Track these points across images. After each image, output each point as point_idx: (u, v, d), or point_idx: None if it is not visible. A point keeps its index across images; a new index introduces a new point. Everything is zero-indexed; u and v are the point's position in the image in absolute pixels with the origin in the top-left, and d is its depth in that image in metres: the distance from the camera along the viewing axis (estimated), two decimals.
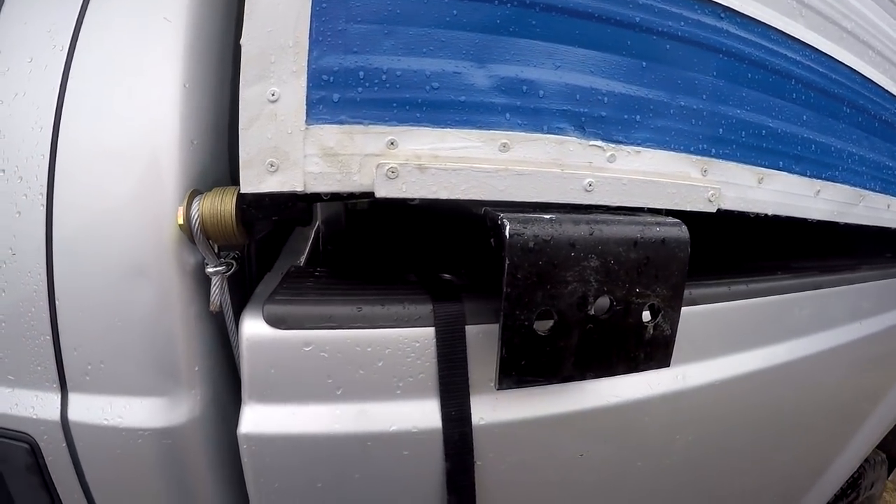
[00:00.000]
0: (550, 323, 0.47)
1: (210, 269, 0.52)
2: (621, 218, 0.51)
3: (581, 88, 0.54)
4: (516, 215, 0.45)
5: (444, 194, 0.48)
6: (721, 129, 0.64)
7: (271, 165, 0.45)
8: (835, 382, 0.89)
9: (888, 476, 1.36)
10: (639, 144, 0.58)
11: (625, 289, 0.50)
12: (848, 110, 0.77)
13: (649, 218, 0.53)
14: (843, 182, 0.78)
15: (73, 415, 0.52)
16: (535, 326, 0.46)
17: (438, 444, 0.53)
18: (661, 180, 0.59)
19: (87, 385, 0.52)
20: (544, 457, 0.60)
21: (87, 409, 0.52)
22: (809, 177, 0.73)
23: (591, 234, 0.47)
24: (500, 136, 0.51)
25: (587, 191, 0.54)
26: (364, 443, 0.53)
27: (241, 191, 0.46)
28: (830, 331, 0.84)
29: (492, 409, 0.55)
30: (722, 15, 0.61)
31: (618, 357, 0.51)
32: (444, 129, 0.49)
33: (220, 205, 0.50)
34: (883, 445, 1.16)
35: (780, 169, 0.70)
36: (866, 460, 1.19)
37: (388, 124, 0.47)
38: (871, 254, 1.08)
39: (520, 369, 0.46)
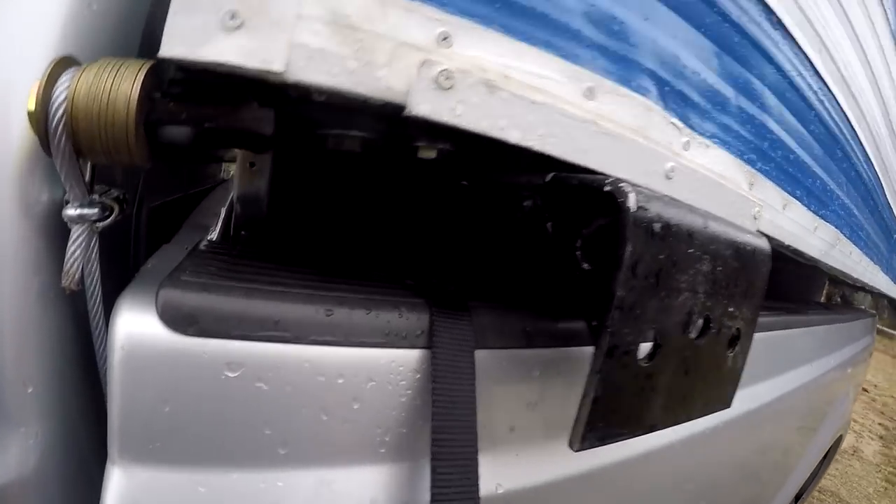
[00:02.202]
0: (649, 347, 0.32)
1: (72, 211, 0.29)
2: (716, 214, 0.38)
3: (668, 53, 0.42)
4: (632, 184, 0.30)
5: (514, 136, 0.31)
6: (766, 144, 0.57)
7: (232, 17, 0.24)
8: (792, 419, 0.88)
9: None
10: (709, 137, 0.48)
11: (721, 306, 0.37)
12: (840, 154, 0.76)
13: (732, 222, 0.41)
14: (830, 223, 0.77)
15: None
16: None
17: None
18: (725, 184, 0.49)
19: None
20: None
21: None
22: (812, 211, 0.70)
23: (706, 228, 0.34)
24: (586, 76, 0.36)
25: (668, 178, 0.41)
26: None
27: (162, 55, 0.24)
28: (782, 376, 0.82)
29: (513, 468, 0.38)
30: (800, 61, 0.58)
31: (699, 394, 0.38)
32: (521, 43, 0.32)
33: (112, 84, 0.27)
34: None
35: (797, 198, 0.66)
36: None
37: (444, 9, 0.29)
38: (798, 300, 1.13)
39: (609, 417, 0.30)
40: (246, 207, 0.40)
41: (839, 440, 1.47)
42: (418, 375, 0.32)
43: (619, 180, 0.30)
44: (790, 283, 1.06)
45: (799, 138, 0.64)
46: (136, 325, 0.27)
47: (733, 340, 0.41)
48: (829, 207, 0.75)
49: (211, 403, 0.28)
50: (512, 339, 0.35)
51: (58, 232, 0.30)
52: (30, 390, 0.31)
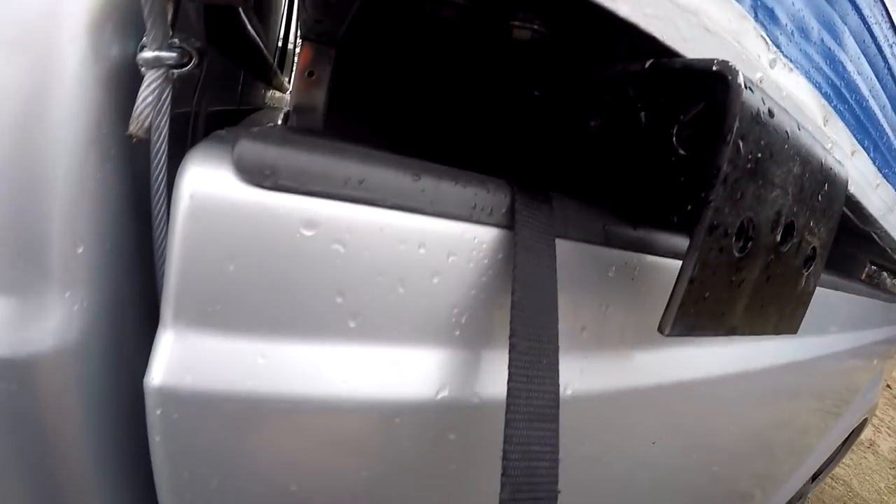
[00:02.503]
0: (743, 242, 0.31)
1: (149, 54, 0.27)
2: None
3: None
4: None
5: (623, 10, 0.30)
6: (843, 84, 0.55)
7: None
8: (817, 389, 0.87)
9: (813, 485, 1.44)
10: (792, 61, 0.46)
11: (805, 216, 0.36)
12: None
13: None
14: (892, 184, 0.74)
15: None
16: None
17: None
18: (805, 111, 0.47)
19: None
20: (621, 443, 0.44)
21: None
22: (877, 167, 0.68)
23: (800, 130, 0.33)
24: None
25: None
26: (389, 418, 0.30)
27: None
28: (821, 337, 0.81)
29: (580, 371, 0.37)
30: (879, 10, 0.55)
31: (774, 308, 0.37)
32: None
33: None
34: None
35: (864, 149, 0.63)
36: None
37: None
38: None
39: (701, 305, 0.30)
40: (302, 118, 0.40)
41: (863, 424, 1.45)
42: (500, 256, 0.31)
43: (727, 61, 0.29)
44: (833, 257, 1.03)
45: (872, 88, 0.61)
46: (207, 174, 0.24)
47: (809, 260, 0.40)
48: (892, 168, 0.72)
49: (281, 263, 0.26)
50: (591, 234, 0.34)
51: (124, 85, 0.28)
52: (80, 251, 0.27)
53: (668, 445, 0.49)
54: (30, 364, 0.26)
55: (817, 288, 0.69)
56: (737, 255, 0.30)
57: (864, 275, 1.21)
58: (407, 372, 0.31)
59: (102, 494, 0.32)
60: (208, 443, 0.27)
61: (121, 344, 0.31)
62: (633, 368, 0.41)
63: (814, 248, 0.40)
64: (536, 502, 0.24)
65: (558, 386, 0.28)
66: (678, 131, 0.31)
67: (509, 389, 0.25)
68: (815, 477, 1.43)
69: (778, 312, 0.39)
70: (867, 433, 2.81)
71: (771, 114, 0.29)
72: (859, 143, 0.61)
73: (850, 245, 1.03)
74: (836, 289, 0.77)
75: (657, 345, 0.43)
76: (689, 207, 0.29)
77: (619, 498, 0.50)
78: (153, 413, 0.26)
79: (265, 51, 0.59)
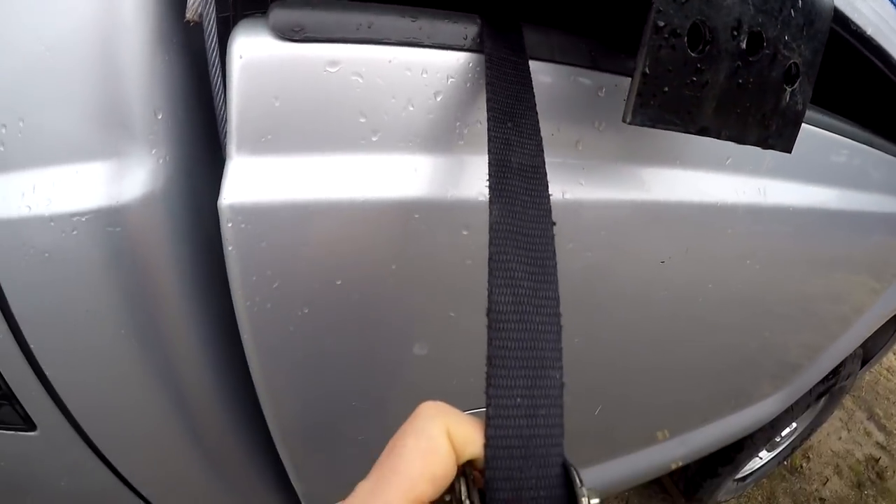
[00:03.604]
0: (701, 46, 0.35)
1: None
2: None
3: None
4: None
5: None
6: None
7: None
8: (869, 251, 0.87)
9: (860, 371, 1.44)
10: None
11: (776, 29, 0.39)
12: None
13: None
14: None
15: None
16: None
17: None
18: None
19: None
20: (628, 258, 0.50)
21: (1, 197, 0.33)
22: None
23: None
24: None
25: None
26: (410, 214, 0.38)
27: None
28: (878, 195, 0.80)
29: (578, 182, 0.43)
30: None
31: (753, 118, 0.41)
32: None
33: None
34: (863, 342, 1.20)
35: None
36: None
37: None
38: None
39: (661, 98, 0.35)
40: None
41: None
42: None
43: None
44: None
45: None
46: (252, 37, 0.32)
47: (792, 76, 0.42)
48: None
49: (315, 94, 0.33)
50: (577, 58, 0.39)
51: None
52: (160, 116, 0.35)
53: (678, 268, 0.54)
54: (130, 209, 0.35)
55: (845, 139, 0.69)
56: (693, 54, 0.35)
57: None
58: (423, 175, 0.38)
59: (189, 310, 0.42)
60: (270, 247, 0.36)
61: (197, 185, 0.40)
62: (633, 183, 0.46)
63: (795, 65, 0.42)
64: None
65: (546, 179, 0.29)
66: None
67: (490, 162, 0.29)
68: (865, 361, 1.41)
69: (760, 124, 0.42)
70: None
71: None
72: None
73: None
74: (871, 145, 0.76)
75: (657, 163, 0.47)
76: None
77: (629, 313, 0.57)
78: (226, 227, 0.34)
79: None
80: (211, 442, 0.50)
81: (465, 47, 0.36)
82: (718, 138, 0.40)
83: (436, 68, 0.36)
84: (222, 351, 0.45)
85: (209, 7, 0.36)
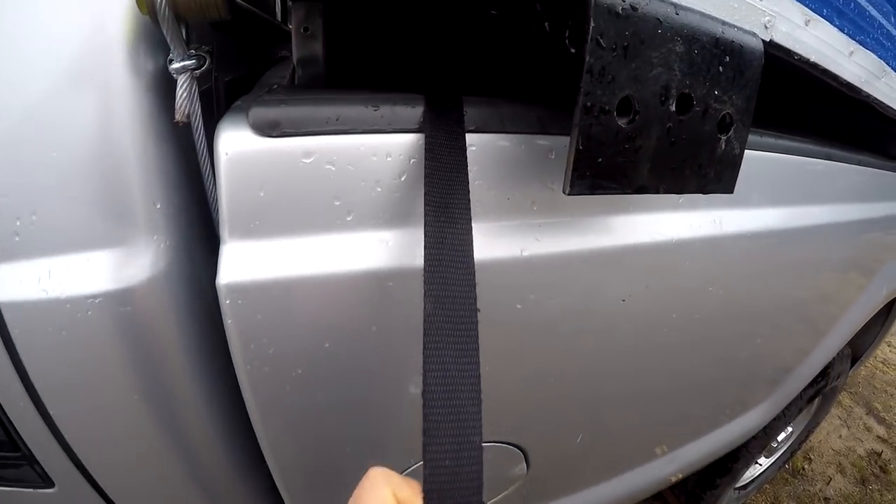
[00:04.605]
0: (631, 116, 0.40)
1: (176, 65, 0.38)
2: (700, 10, 0.44)
3: None
4: None
5: None
6: None
7: None
8: (837, 259, 0.91)
9: (851, 369, 1.47)
10: None
11: (705, 87, 0.43)
12: None
13: (725, 20, 0.46)
14: (872, 51, 0.75)
15: (2, 293, 0.37)
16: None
17: None
18: None
19: (16, 249, 0.38)
20: (588, 301, 0.55)
21: (20, 281, 0.38)
22: (846, 35, 0.70)
23: (678, 15, 0.40)
24: None
25: None
26: (384, 282, 0.42)
27: None
28: (837, 205, 0.84)
29: (535, 239, 0.48)
30: None
31: (691, 170, 0.45)
32: None
33: None
34: (850, 341, 1.23)
35: (823, 17, 0.66)
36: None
37: None
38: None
39: (595, 169, 0.39)
40: (305, 69, 0.51)
41: None
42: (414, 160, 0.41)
43: None
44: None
45: None
46: (234, 139, 0.37)
47: (726, 125, 0.47)
48: (869, 35, 0.73)
49: (294, 183, 0.38)
50: (527, 125, 0.44)
51: (164, 90, 0.40)
52: (158, 206, 0.40)
53: (639, 303, 0.59)
54: (137, 290, 0.40)
55: (800, 157, 0.73)
56: (623, 126, 0.39)
57: None
58: (393, 246, 0.42)
59: (194, 374, 0.47)
60: (265, 318, 0.41)
61: (195, 265, 0.45)
62: (587, 233, 0.51)
63: (728, 115, 0.47)
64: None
65: (473, 268, 0.33)
66: (569, 33, 0.40)
67: (425, 257, 0.32)
68: (855, 360, 1.44)
69: (698, 174, 0.47)
70: None
71: (634, 7, 0.37)
72: (815, 12, 0.64)
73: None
74: (829, 159, 0.80)
75: (611, 212, 0.52)
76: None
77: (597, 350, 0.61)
78: (224, 304, 0.39)
79: (272, 17, 0.69)
80: (218, 489, 0.54)
81: (421, 129, 0.41)
82: (657, 193, 0.44)
83: (398, 151, 0.41)
84: (226, 408, 0.50)
85: (194, 105, 0.41)
